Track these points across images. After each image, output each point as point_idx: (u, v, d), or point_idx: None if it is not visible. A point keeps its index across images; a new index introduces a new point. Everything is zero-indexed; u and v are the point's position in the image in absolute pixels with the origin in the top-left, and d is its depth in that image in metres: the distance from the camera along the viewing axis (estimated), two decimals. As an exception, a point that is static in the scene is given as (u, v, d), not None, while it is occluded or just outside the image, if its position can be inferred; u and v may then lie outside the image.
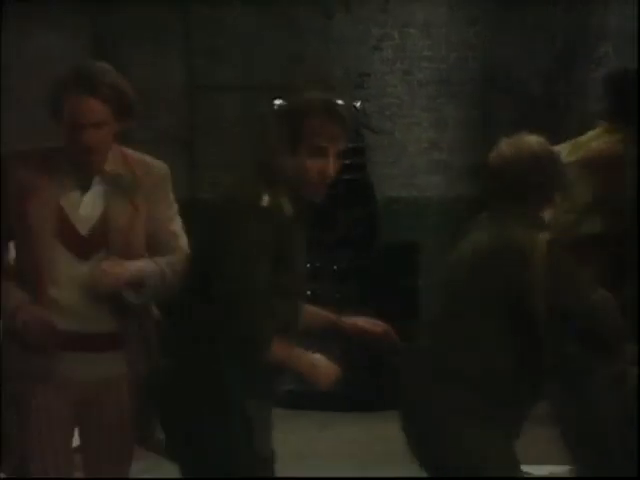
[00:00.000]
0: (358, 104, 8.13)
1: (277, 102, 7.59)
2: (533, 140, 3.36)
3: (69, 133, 3.04)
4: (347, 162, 6.32)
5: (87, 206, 3.11)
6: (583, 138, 4.58)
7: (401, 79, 9.08)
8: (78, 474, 3.28)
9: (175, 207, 3.27)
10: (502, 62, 8.94)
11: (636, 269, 3.85)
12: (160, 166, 3.26)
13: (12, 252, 3.18)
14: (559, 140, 4.10)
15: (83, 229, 3.11)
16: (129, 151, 3.21)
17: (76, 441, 3.29)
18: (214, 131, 9.04)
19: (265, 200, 2.88)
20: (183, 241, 3.25)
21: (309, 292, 5.48)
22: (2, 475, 3.38)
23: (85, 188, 3.10)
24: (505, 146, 3.35)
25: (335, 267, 7.85)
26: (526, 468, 3.65)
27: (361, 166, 8.11)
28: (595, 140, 4.47)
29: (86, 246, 3.10)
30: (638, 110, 11.29)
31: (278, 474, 3.21)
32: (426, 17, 8.96)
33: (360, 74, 9.06)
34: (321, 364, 2.99)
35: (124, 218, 3.15)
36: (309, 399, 6.89)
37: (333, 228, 7.71)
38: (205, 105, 9.00)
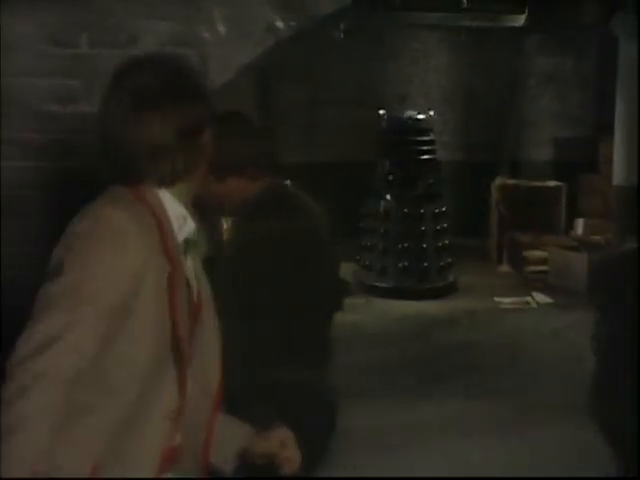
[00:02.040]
0: (431, 112, 10.66)
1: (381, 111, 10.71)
2: None
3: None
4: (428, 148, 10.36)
5: (189, 265, 2.27)
6: None
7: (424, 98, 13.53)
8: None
9: None
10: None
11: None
12: None
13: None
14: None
15: (194, 294, 2.27)
16: None
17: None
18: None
19: None
20: None
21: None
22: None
23: (192, 242, 2.28)
24: None
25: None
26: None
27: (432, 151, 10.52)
28: None
29: (194, 318, 2.26)
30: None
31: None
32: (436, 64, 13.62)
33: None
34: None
35: (202, 273, 2.38)
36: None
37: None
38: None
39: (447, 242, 10.31)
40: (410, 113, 10.45)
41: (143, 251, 2.06)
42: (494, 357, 7.79)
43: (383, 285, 9.97)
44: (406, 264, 9.90)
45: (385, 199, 10.22)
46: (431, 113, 10.50)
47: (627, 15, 9.74)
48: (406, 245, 9.95)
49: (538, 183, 12.40)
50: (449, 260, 10.29)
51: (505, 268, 11.06)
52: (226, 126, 2.87)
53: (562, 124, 13.72)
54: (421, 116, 10.39)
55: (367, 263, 10.22)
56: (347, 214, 13.20)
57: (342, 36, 11.65)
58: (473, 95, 13.55)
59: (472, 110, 13.47)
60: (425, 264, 9.94)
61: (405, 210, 10.04)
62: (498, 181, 12.17)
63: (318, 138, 13.44)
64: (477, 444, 5.84)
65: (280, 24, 3.85)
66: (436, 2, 11.46)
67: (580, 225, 11.90)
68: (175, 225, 2.20)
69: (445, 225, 10.36)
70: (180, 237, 2.20)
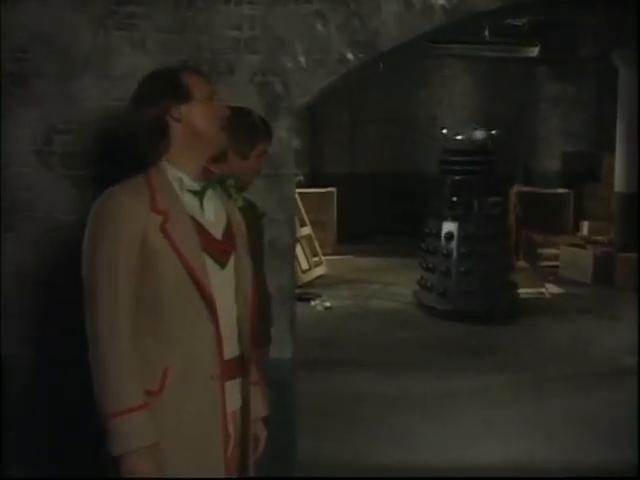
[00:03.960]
0: (494, 132, 9.25)
1: (444, 131, 9.48)
2: None
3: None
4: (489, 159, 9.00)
5: (210, 212, 2.37)
6: None
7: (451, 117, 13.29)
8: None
9: None
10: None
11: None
12: None
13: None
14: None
15: (218, 234, 2.36)
16: None
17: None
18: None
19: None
20: None
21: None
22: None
23: (201, 195, 2.36)
24: None
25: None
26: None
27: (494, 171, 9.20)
28: None
29: (224, 252, 2.36)
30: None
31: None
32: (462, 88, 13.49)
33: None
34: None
35: (235, 217, 2.47)
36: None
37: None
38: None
39: (510, 262, 9.18)
40: (473, 133, 9.18)
41: (136, 213, 2.22)
42: (517, 338, 7.84)
43: (444, 307, 8.77)
44: (468, 286, 8.65)
45: (447, 220, 8.95)
46: (493, 132, 9.21)
47: (626, 49, 9.93)
48: (469, 266, 8.71)
49: (549, 190, 12.40)
50: (512, 280, 9.02)
51: (522, 263, 10.98)
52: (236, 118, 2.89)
53: (569, 140, 13.72)
54: (483, 135, 9.15)
55: (429, 284, 9.07)
56: (381, 216, 13.30)
57: (382, 65, 11.56)
58: (493, 115, 13.59)
59: (492, 128, 13.48)
60: (487, 285, 8.62)
61: (468, 231, 8.81)
62: (515, 189, 12.17)
63: (359, 152, 13.48)
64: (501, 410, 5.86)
65: (350, 56, 3.95)
66: (462, 35, 11.50)
67: (585, 226, 11.94)
68: (175, 185, 2.34)
69: (508, 244, 9.28)
70: (184, 191, 2.34)
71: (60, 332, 3.63)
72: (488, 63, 13.13)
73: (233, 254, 2.39)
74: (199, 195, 2.36)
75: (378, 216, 13.25)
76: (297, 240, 10.50)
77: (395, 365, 6.96)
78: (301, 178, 12.15)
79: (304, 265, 10.69)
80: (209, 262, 2.30)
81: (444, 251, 8.84)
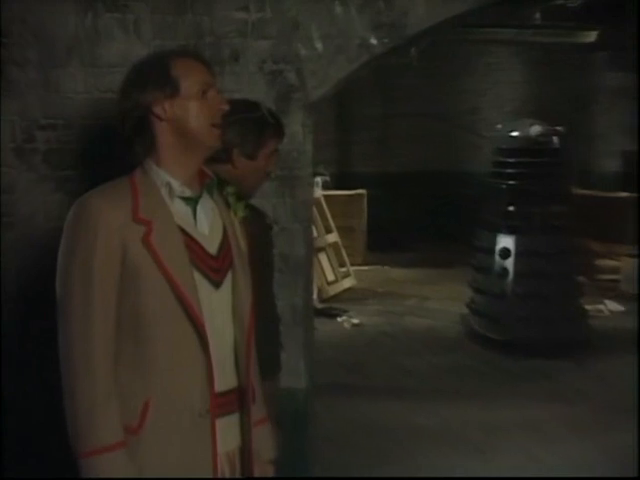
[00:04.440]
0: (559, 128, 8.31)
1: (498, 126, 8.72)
2: None
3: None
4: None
5: (203, 222, 2.31)
6: None
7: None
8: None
9: None
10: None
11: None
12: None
13: None
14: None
15: (212, 249, 2.30)
16: None
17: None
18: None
19: None
20: None
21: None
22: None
23: (193, 202, 2.30)
24: None
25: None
26: None
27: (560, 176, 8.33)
28: None
29: (218, 270, 2.29)
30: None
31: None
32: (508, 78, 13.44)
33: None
34: None
35: (233, 230, 2.42)
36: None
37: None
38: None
39: (579, 285, 8.38)
40: (534, 129, 8.10)
41: (115, 222, 2.16)
42: (567, 362, 7.66)
43: (496, 336, 7.97)
44: (526, 312, 7.77)
45: (502, 233, 8.10)
46: (558, 128, 8.25)
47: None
48: (527, 289, 7.84)
49: (608, 194, 12.16)
50: (581, 305, 8.20)
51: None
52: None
53: (630, 137, 13.53)
54: (546, 132, 8.11)
55: (479, 308, 8.34)
56: (417, 222, 13.25)
57: (413, 51, 11.43)
58: (543, 109, 13.43)
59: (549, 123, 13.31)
60: (548, 312, 7.72)
61: (527, 246, 7.94)
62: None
63: (393, 150, 13.44)
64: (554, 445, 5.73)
65: (374, 41, 3.91)
66: (509, 18, 11.40)
67: (650, 235, 11.67)
68: (163, 190, 2.27)
69: (576, 263, 8.37)
70: (173, 197, 2.26)
71: (39, 348, 3.57)
72: (539, 49, 12.97)
73: (229, 272, 2.33)
74: (191, 203, 2.31)
75: (414, 221, 13.16)
76: (322, 249, 10.55)
77: (432, 393, 6.80)
78: (327, 179, 12.09)
79: (330, 277, 10.63)
80: (200, 281, 2.25)
81: (498, 270, 8.00)
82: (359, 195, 12.50)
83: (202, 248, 2.28)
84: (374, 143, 13.54)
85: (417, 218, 13.30)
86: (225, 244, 2.35)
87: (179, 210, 2.27)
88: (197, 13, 3.85)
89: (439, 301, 10.21)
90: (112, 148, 2.84)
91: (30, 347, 3.76)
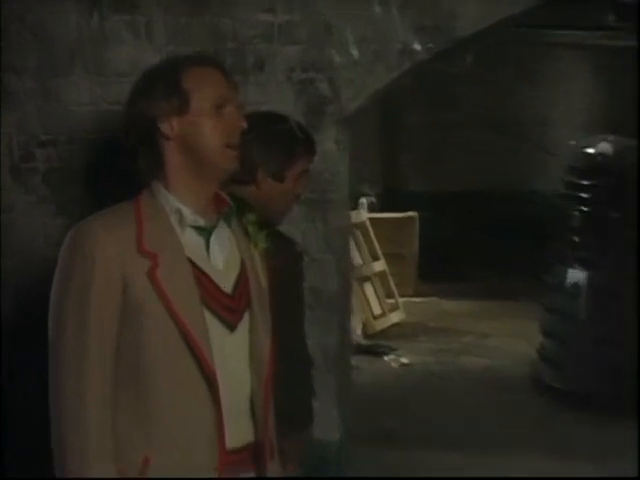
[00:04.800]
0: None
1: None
2: None
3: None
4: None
5: (217, 255, 2.29)
6: None
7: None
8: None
9: None
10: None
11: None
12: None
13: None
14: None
15: (227, 286, 2.28)
16: None
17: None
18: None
19: None
20: None
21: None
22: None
23: (207, 233, 2.28)
24: None
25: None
26: None
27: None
28: None
29: (234, 310, 2.27)
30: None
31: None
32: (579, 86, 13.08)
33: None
34: None
35: (253, 265, 2.39)
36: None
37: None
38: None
39: None
40: (612, 146, 7.58)
41: (116, 253, 2.14)
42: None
43: (563, 387, 7.51)
44: (595, 360, 7.25)
45: (573, 267, 7.58)
46: None
47: None
48: (601, 333, 7.24)
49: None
50: None
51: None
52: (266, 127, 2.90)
53: None
54: (627, 150, 7.55)
55: (545, 353, 7.93)
56: (475, 248, 13.19)
57: (469, 58, 11.30)
58: (621, 123, 13.26)
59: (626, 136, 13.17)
60: (622, 361, 7.10)
61: (602, 283, 7.35)
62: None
63: (447, 166, 13.40)
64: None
65: (417, 47, 3.89)
66: (579, 19, 11.30)
67: None
68: (172, 218, 2.24)
69: None
70: (184, 226, 2.24)
71: (35, 389, 3.65)
72: (613, 53, 12.85)
73: (247, 312, 2.31)
74: (205, 233, 2.28)
75: (471, 248, 13.05)
76: (368, 278, 10.54)
77: (490, 444, 6.68)
78: (373, 200, 12.06)
79: (376, 310, 10.52)
80: (212, 322, 2.23)
81: (566, 309, 7.52)
82: (409, 218, 12.41)
83: (215, 285, 2.25)
84: (426, 159, 13.45)
85: (475, 244, 13.19)
86: (242, 280, 2.32)
87: (190, 241, 2.25)
88: (217, 14, 3.86)
89: (500, 339, 10.04)
90: (121, 167, 2.83)
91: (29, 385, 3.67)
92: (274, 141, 2.98)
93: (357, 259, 10.28)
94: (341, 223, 3.98)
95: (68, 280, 2.16)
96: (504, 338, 9.95)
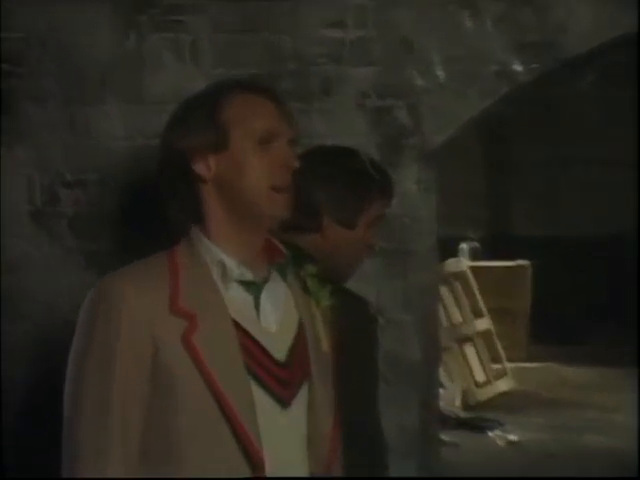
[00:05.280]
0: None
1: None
2: None
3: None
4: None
5: (269, 316, 2.26)
6: None
7: None
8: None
9: None
10: None
11: None
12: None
13: None
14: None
15: (280, 353, 2.24)
16: None
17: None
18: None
19: None
20: None
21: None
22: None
23: (257, 288, 2.24)
24: None
25: None
26: None
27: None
28: None
29: (287, 383, 2.24)
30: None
31: None
32: None
33: None
34: None
35: (313, 327, 2.36)
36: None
37: None
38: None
39: None
40: None
41: (145, 313, 2.13)
42: None
43: None
44: None
45: None
46: None
47: None
48: None
49: None
50: None
51: None
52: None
53: None
54: None
55: None
56: (599, 303, 13.03)
57: (593, 76, 11.17)
58: None
59: None
60: None
61: None
62: None
63: (565, 207, 13.34)
64: None
65: (517, 67, 3.86)
66: None
67: None
68: (214, 272, 2.21)
69: None
70: (228, 281, 2.21)
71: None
72: None
73: (304, 386, 2.28)
74: (253, 289, 2.24)
75: (594, 304, 12.95)
76: (469, 339, 10.55)
77: None
78: (477, 245, 12.06)
79: (479, 376, 10.47)
80: (261, 397, 2.19)
81: None
82: (520, 267, 12.39)
83: (265, 352, 2.22)
84: (540, 197, 13.43)
85: (598, 299, 13.11)
86: (299, 346, 2.29)
87: (236, 299, 2.22)
88: (275, 31, 3.86)
89: (629, 415, 9.84)
90: (161, 212, 2.83)
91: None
92: (343, 181, 2.96)
93: (456, 316, 10.32)
94: (425, 278, 3.96)
95: (88, 347, 2.16)
96: (634, 414, 9.69)
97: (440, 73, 3.88)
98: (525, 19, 3.86)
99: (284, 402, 2.22)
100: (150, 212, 3.54)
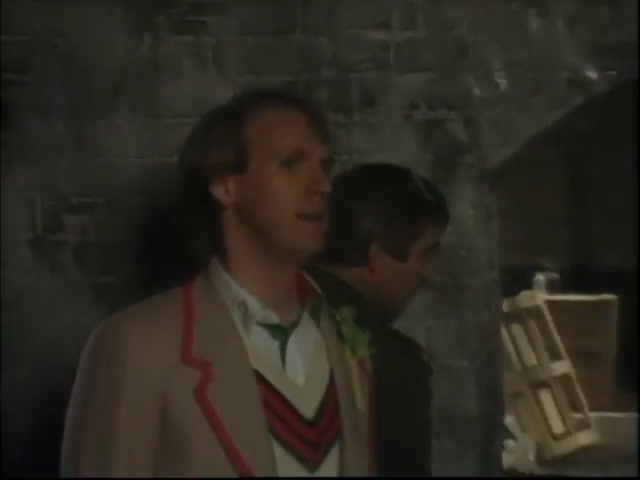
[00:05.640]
0: None
1: None
2: None
3: None
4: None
5: (297, 366, 2.24)
6: None
7: None
8: None
9: None
10: None
11: None
12: None
13: None
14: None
15: (308, 409, 2.21)
16: None
17: None
18: None
19: None
20: None
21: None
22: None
23: (283, 334, 2.22)
24: None
25: None
26: None
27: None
28: None
29: (316, 442, 2.21)
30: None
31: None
32: None
33: None
34: None
35: (347, 380, 2.33)
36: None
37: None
38: None
39: None
40: None
41: (154, 361, 2.12)
42: None
43: None
44: None
45: None
46: None
47: None
48: None
49: None
50: None
51: None
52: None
53: None
54: None
55: None
56: None
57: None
58: None
59: None
60: None
61: None
62: None
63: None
64: None
65: (592, 74, 3.82)
66: None
67: None
68: (235, 313, 2.19)
69: None
70: (250, 324, 2.19)
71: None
72: None
73: (335, 446, 2.24)
74: (280, 335, 2.21)
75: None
76: (545, 384, 10.42)
77: None
78: (555, 275, 12.01)
79: (557, 427, 10.34)
80: (285, 460, 2.17)
81: None
82: (605, 302, 12.28)
83: (291, 408, 2.19)
84: (628, 223, 13.37)
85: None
86: (330, 402, 2.25)
87: (259, 345, 2.19)
88: (311, 32, 3.86)
89: None
90: (181, 241, 2.80)
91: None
92: (394, 205, 2.95)
93: (530, 357, 10.24)
94: (483, 317, 3.95)
95: (88, 400, 2.15)
96: None
97: (501, 81, 3.87)
98: (601, 18, 3.84)
99: (312, 465, 2.20)
100: (167, 240, 3.62)
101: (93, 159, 3.92)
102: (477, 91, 3.86)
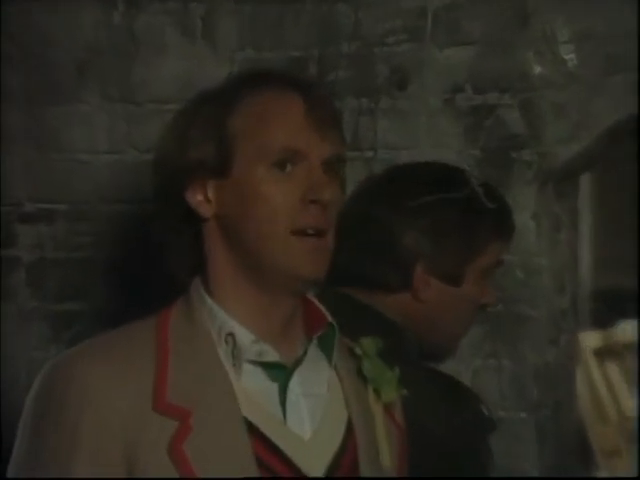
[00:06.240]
0: None
1: None
2: None
3: None
4: None
5: (302, 413, 2.21)
6: None
7: None
8: None
9: None
10: None
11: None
12: None
13: None
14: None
15: (315, 468, 2.18)
16: None
17: None
18: None
19: None
20: None
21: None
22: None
23: (283, 374, 2.20)
24: None
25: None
26: None
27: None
28: None
29: None
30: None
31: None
32: None
33: None
34: None
35: (370, 432, 2.32)
36: None
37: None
38: None
39: None
40: None
41: (117, 410, 2.08)
42: None
43: None
44: None
45: None
46: None
47: None
48: None
49: None
50: None
51: None
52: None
53: None
54: None
55: None
56: None
57: None
58: None
59: None
60: None
61: None
62: None
63: None
64: None
65: None
66: None
67: None
68: (221, 348, 2.16)
69: None
70: (240, 361, 2.16)
71: None
72: None
73: None
74: (279, 375, 2.21)
75: None
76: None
77: None
78: None
79: None
80: None
81: None
82: None
83: (293, 468, 2.16)
84: None
85: None
86: (346, 461, 2.23)
87: (251, 389, 2.17)
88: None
89: None
90: (158, 258, 2.61)
91: None
92: (443, 216, 2.93)
93: (628, 404, 10.24)
94: (549, 357, 3.95)
95: (35, 454, 2.13)
96: None
97: (569, 56, 3.83)
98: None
99: None
100: (143, 257, 3.47)
101: (52, 155, 3.92)
102: (538, 69, 3.83)
